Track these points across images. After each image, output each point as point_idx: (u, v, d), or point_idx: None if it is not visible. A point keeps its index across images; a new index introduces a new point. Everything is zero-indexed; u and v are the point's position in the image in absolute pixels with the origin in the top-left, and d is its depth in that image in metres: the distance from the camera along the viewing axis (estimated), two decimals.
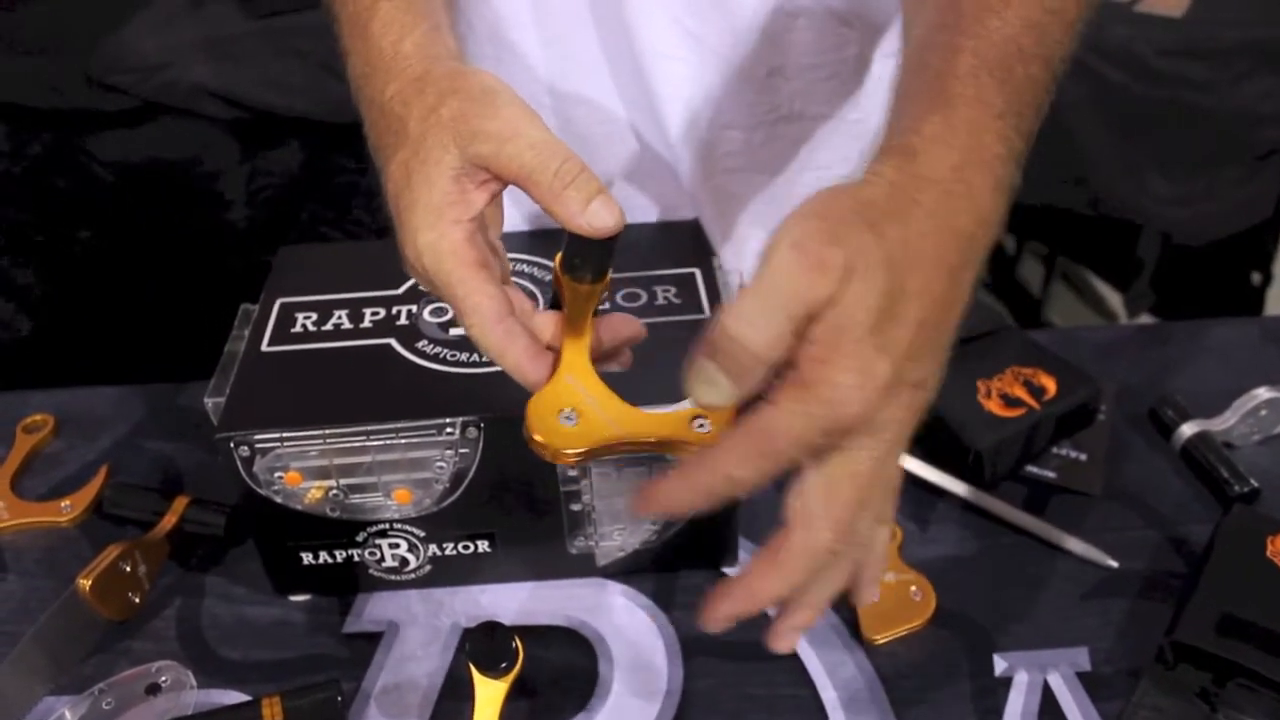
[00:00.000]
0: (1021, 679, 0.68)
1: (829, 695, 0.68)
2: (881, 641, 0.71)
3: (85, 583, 0.71)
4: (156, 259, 1.94)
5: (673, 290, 0.75)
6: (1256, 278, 2.02)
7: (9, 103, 1.80)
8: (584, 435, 0.52)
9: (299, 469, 0.67)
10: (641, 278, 0.76)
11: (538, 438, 0.52)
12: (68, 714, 0.67)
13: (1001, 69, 0.53)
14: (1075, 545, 0.77)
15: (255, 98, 1.77)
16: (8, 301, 1.97)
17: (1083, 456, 0.84)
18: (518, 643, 0.65)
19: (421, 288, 0.56)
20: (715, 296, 0.75)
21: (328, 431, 0.65)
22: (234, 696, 0.69)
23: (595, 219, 0.50)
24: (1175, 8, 1.82)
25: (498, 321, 0.53)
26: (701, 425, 0.53)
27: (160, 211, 1.90)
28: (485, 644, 0.65)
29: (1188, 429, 0.84)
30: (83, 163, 1.84)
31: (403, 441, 0.66)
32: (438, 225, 0.52)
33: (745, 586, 0.50)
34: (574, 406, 0.53)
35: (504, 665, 0.64)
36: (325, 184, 1.88)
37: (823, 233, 0.44)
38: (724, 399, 0.45)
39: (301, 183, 1.87)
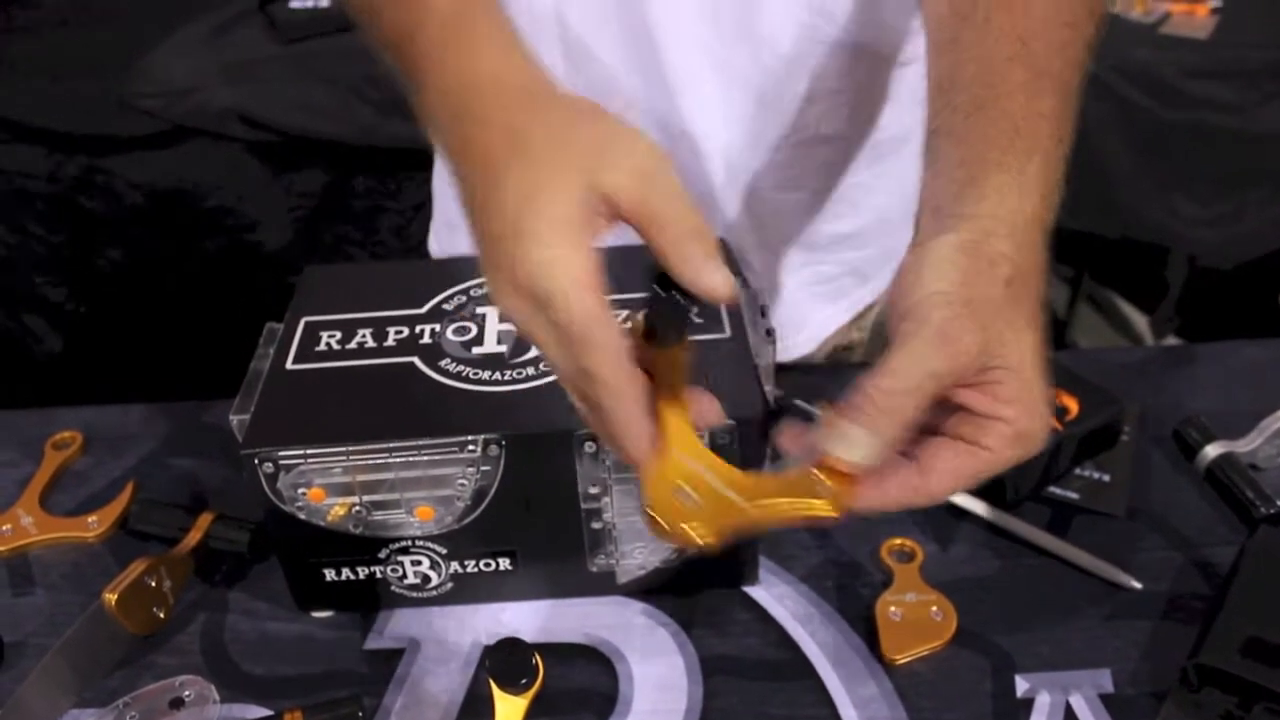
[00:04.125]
0: (1044, 700, 0.68)
1: (849, 715, 0.68)
2: (902, 661, 0.71)
3: (111, 597, 0.71)
4: (184, 279, 1.97)
5: (694, 310, 0.75)
6: None
7: (42, 127, 1.83)
8: (713, 516, 0.51)
9: (322, 485, 0.67)
10: None
11: (663, 522, 0.50)
12: None
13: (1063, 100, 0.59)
14: (1098, 566, 0.76)
15: (282, 121, 1.79)
16: (40, 318, 2.00)
17: (1106, 478, 0.84)
18: (538, 659, 0.65)
19: (502, 316, 0.53)
20: (737, 317, 0.75)
21: (351, 449, 0.66)
22: (256, 711, 0.70)
23: (713, 280, 0.50)
24: (1200, 29, 1.82)
25: (626, 358, 0.50)
26: (821, 486, 0.53)
27: (188, 232, 1.92)
28: (506, 660, 0.65)
29: (1212, 450, 0.83)
30: (112, 184, 1.87)
31: (425, 459, 0.66)
32: (562, 244, 0.50)
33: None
34: (689, 481, 0.51)
35: (524, 681, 0.64)
36: (350, 205, 1.90)
37: (967, 319, 0.52)
38: (865, 458, 0.52)
39: (327, 204, 1.89)
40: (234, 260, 1.94)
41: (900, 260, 0.55)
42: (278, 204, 1.89)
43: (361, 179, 1.85)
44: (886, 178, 0.95)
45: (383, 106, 1.75)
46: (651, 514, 0.50)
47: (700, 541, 0.51)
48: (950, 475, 0.54)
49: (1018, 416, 0.53)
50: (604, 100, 0.54)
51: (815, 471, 0.53)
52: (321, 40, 1.81)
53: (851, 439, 0.52)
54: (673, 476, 0.51)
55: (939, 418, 0.55)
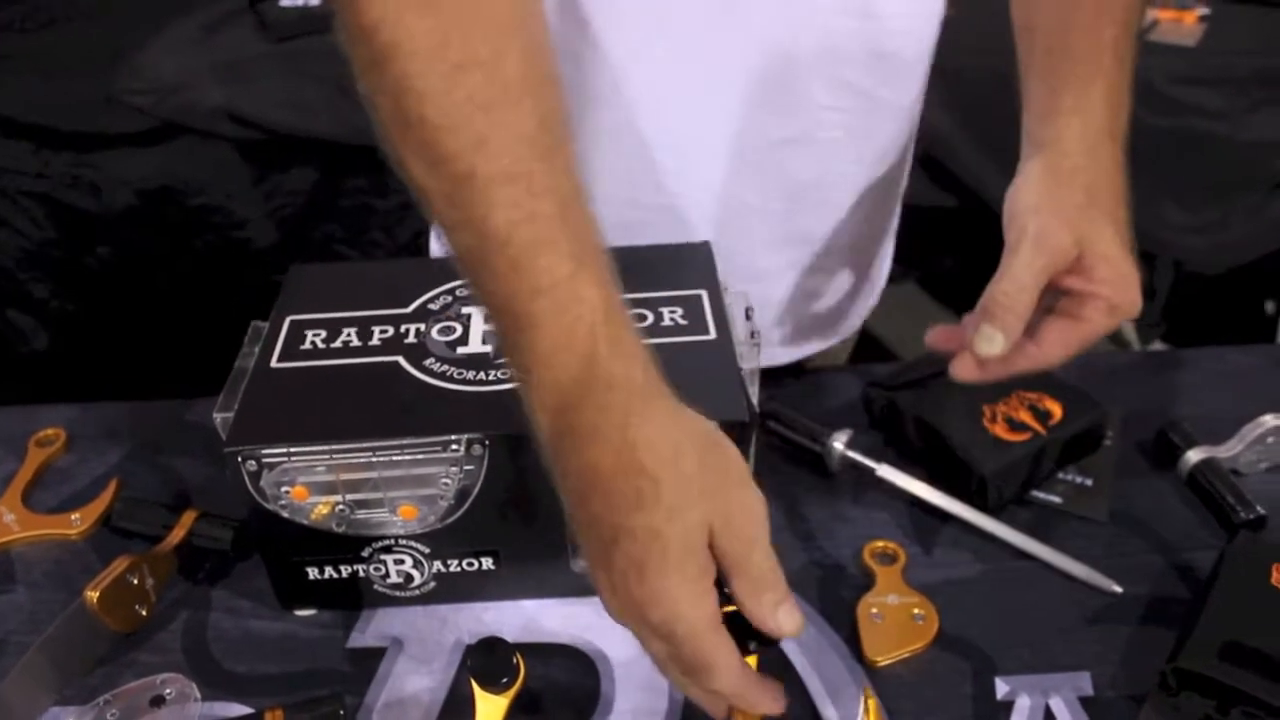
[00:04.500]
0: (1024, 703, 0.68)
1: (829, 715, 0.68)
2: (884, 664, 0.71)
3: (93, 594, 0.71)
4: (171, 277, 1.96)
5: (679, 311, 0.76)
6: (1270, 306, 2.02)
7: (31, 123, 1.82)
8: None
9: (306, 484, 0.67)
10: (649, 299, 0.77)
11: None
12: None
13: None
14: (1079, 570, 0.77)
15: (271, 119, 1.79)
16: (26, 315, 1.99)
17: (1088, 482, 0.84)
18: (519, 659, 0.65)
19: (636, 630, 0.56)
20: (721, 318, 0.75)
21: (334, 447, 0.66)
22: (238, 709, 0.70)
23: (785, 624, 0.56)
24: (1188, 36, 1.82)
25: (745, 671, 0.56)
26: None
27: (175, 230, 1.92)
28: (487, 660, 0.65)
29: (1194, 455, 0.84)
30: (100, 181, 1.86)
31: (408, 458, 0.66)
32: (701, 602, 0.54)
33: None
34: None
35: (505, 680, 0.64)
36: (339, 204, 1.89)
37: (1056, 222, 0.68)
38: (1003, 348, 0.68)
39: (316, 203, 1.89)
40: (221, 259, 1.94)
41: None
42: (266, 202, 1.88)
43: (351, 178, 1.85)
44: (874, 186, 0.95)
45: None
46: None
47: None
48: (1060, 344, 0.69)
49: (1111, 292, 0.68)
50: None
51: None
52: (311, 39, 1.81)
53: (990, 337, 0.67)
54: None
55: (1049, 301, 0.70)
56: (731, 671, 0.55)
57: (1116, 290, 0.68)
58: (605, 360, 0.53)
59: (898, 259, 1.11)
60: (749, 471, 0.56)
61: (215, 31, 1.89)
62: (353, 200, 1.87)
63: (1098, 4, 0.74)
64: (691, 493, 0.53)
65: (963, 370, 0.70)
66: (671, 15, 0.78)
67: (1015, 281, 0.67)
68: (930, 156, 1.81)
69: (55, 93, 1.82)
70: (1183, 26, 1.86)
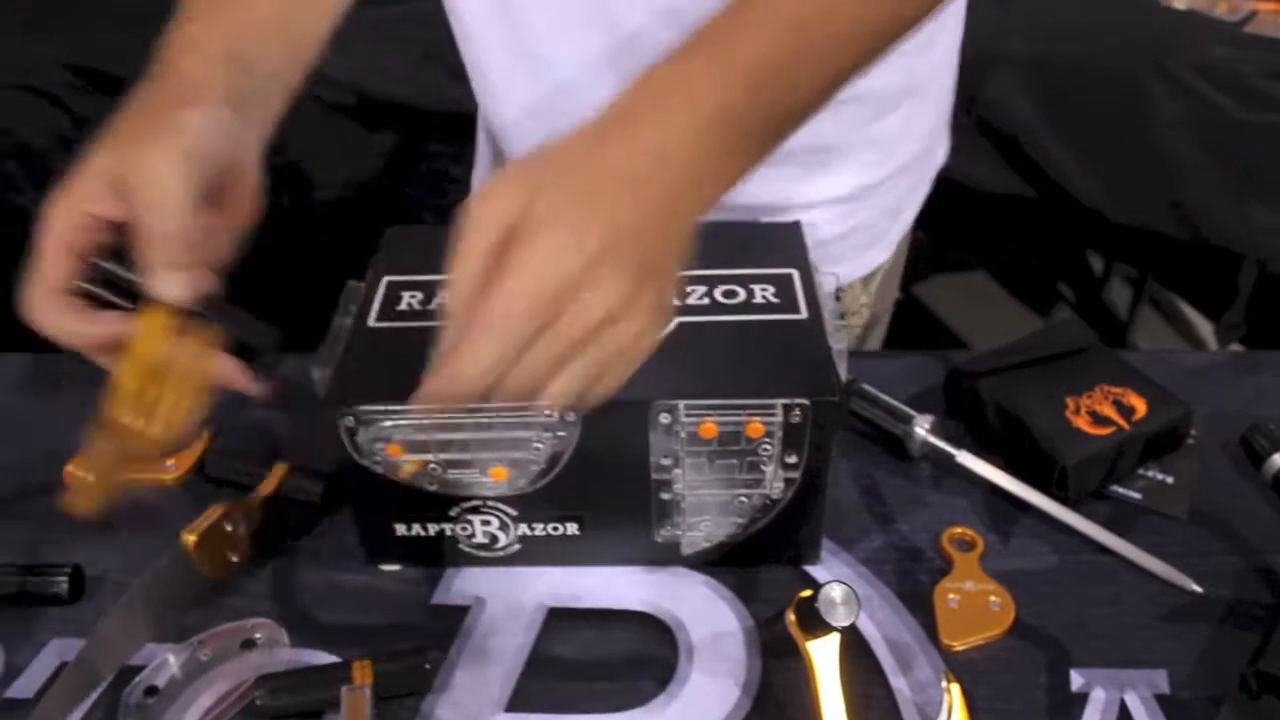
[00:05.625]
0: (1098, 696, 0.69)
1: (905, 696, 0.68)
2: (959, 648, 0.72)
3: (190, 538, 0.74)
4: (252, 235, 1.99)
5: (771, 290, 0.76)
6: None
7: (120, 76, 1.85)
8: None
9: (400, 442, 0.69)
10: (741, 275, 0.77)
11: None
12: (170, 659, 0.70)
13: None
14: (1158, 567, 0.76)
15: (357, 82, 1.81)
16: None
17: (1169, 479, 0.84)
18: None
19: None
20: (813, 299, 0.76)
21: (432, 407, 0.67)
22: (325, 657, 0.72)
23: (153, 284, 0.62)
24: None
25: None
26: None
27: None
28: None
29: None
30: None
31: (502, 421, 0.68)
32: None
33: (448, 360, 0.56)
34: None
35: None
36: (419, 168, 1.91)
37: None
38: None
39: (396, 167, 1.91)
40: (300, 217, 1.96)
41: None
42: (346, 164, 1.90)
43: (432, 143, 1.86)
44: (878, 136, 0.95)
45: (454, 72, 1.75)
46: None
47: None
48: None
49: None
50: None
51: None
52: (399, 5, 1.82)
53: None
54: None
55: None
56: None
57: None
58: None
59: (969, 246, 1.11)
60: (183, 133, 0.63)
61: None
62: (432, 165, 1.89)
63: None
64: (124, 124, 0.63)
65: None
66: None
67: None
68: (1009, 143, 1.79)
69: (145, 47, 1.85)
70: None
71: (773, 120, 0.63)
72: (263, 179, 0.70)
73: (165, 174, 0.60)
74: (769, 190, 0.92)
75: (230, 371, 0.67)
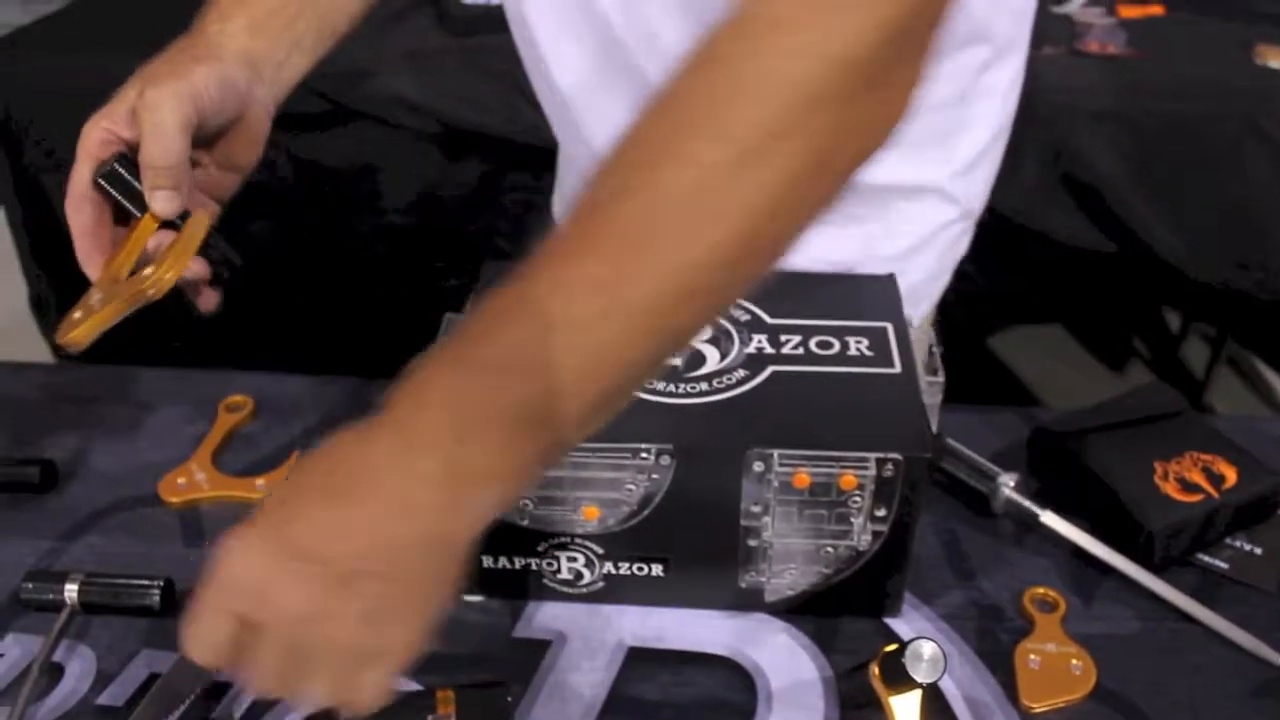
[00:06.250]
0: None
1: None
2: (1039, 710, 0.71)
3: None
4: (331, 253, 2.02)
5: (865, 343, 0.77)
6: None
7: None
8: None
9: None
10: (836, 327, 0.78)
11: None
12: None
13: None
14: (1245, 639, 0.76)
15: (446, 111, 1.83)
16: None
17: (1258, 550, 0.83)
18: None
19: None
20: (907, 353, 0.76)
21: None
22: (408, 686, 0.73)
23: (154, 203, 0.72)
24: None
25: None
26: None
27: (341, 211, 1.98)
28: None
29: None
30: (275, 158, 1.93)
31: (599, 461, 0.69)
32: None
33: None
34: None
35: None
36: (500, 201, 1.93)
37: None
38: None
39: (479, 197, 1.93)
40: (380, 241, 2.00)
41: None
42: (431, 192, 1.93)
43: (516, 174, 1.88)
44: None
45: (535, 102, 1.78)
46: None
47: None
48: None
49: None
50: None
51: None
52: (492, 36, 1.85)
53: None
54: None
55: None
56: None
57: None
58: None
59: (1046, 299, 1.09)
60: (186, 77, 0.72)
61: (402, 20, 1.95)
62: (515, 196, 1.91)
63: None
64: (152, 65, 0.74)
65: None
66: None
67: None
68: (1092, 197, 1.78)
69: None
70: None
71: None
72: (268, 130, 0.80)
73: (165, 111, 0.70)
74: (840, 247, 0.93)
75: (200, 271, 0.76)
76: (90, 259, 0.74)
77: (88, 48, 1.96)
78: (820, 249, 0.93)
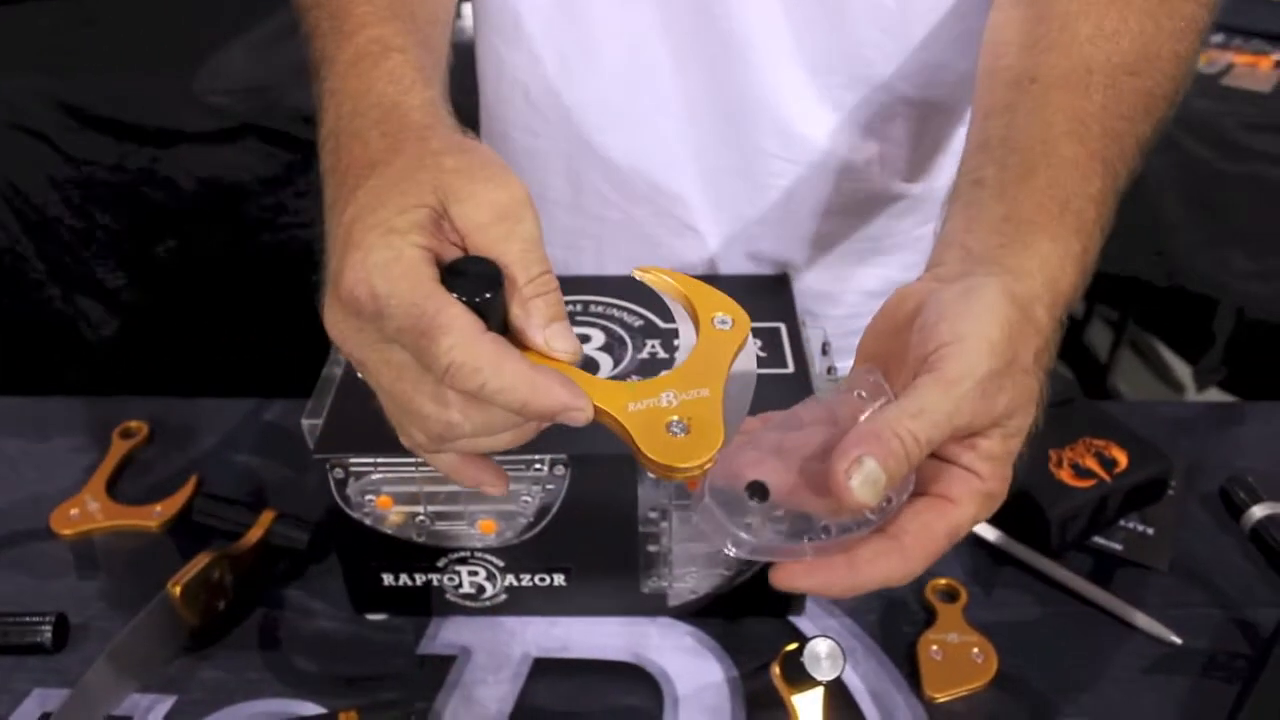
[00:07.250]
0: None
1: None
2: (942, 700, 0.72)
3: (175, 589, 0.74)
4: (236, 273, 2.00)
5: (758, 344, 0.77)
6: None
7: (112, 117, 1.86)
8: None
9: (390, 494, 0.69)
10: None
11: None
12: (155, 711, 0.70)
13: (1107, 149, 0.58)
14: (1139, 619, 0.77)
15: None
16: (95, 302, 2.04)
17: (1150, 531, 0.85)
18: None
19: (349, 347, 0.49)
20: (799, 352, 0.77)
21: (421, 459, 0.68)
22: (311, 707, 0.72)
23: (555, 340, 0.49)
24: (1263, 83, 1.82)
25: (482, 332, 0.45)
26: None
27: (245, 227, 1.95)
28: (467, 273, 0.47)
29: (1259, 510, 0.84)
30: (176, 176, 1.90)
31: None
32: (396, 244, 0.46)
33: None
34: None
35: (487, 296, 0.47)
36: None
37: (1005, 378, 0.48)
38: (876, 498, 0.45)
39: None
40: (288, 258, 1.97)
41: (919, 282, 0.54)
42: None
43: None
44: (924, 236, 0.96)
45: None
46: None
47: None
48: (925, 539, 0.48)
49: (991, 475, 0.49)
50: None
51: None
52: None
53: (874, 479, 0.45)
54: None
55: None
56: (461, 326, 0.44)
57: (997, 475, 0.49)
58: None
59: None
60: (511, 172, 0.49)
61: (296, 34, 1.92)
62: None
63: (1091, 148, 0.57)
64: (420, 171, 0.48)
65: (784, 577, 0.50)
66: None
67: (934, 429, 0.46)
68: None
69: (137, 89, 1.86)
70: (1258, 73, 1.85)
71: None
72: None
73: (523, 191, 0.49)
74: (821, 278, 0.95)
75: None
76: None
77: None
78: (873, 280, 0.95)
